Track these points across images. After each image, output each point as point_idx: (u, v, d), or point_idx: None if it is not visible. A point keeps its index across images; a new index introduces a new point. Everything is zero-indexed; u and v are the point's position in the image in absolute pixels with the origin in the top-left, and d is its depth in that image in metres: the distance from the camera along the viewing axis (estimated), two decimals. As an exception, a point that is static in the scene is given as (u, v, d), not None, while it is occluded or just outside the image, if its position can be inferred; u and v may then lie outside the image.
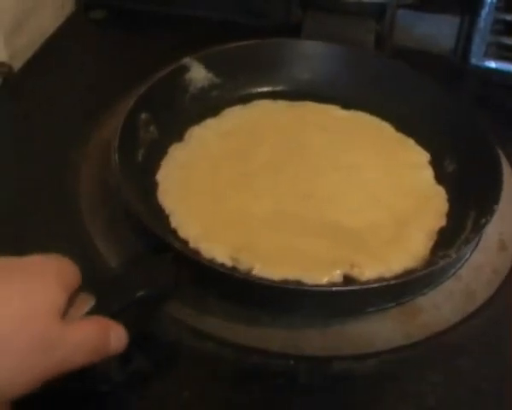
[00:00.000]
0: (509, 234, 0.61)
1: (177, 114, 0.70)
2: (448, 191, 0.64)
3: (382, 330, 0.52)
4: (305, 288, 0.52)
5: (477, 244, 0.59)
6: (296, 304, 0.52)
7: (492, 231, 0.59)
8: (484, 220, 0.56)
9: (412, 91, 0.71)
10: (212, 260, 0.54)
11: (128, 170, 0.58)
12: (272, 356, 0.50)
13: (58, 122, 0.70)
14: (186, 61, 0.72)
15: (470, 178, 0.63)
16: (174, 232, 0.58)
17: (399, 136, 0.71)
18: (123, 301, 0.45)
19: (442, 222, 0.61)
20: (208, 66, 0.73)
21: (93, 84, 0.77)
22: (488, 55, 0.81)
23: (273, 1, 0.88)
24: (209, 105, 0.72)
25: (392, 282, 0.52)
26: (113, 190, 0.60)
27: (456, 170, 0.65)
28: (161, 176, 0.64)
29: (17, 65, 0.77)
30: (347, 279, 0.54)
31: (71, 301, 0.41)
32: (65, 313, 0.40)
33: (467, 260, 0.58)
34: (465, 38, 0.82)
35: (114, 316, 0.43)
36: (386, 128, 0.72)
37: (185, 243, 0.56)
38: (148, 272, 0.49)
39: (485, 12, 0.79)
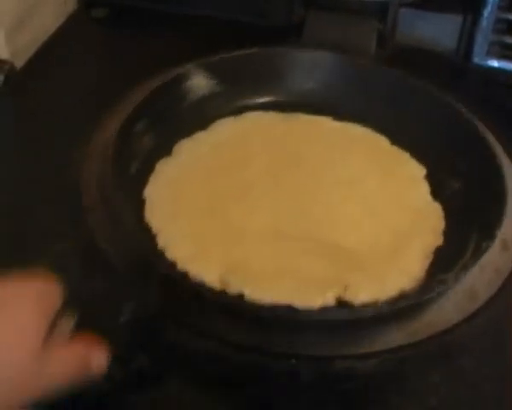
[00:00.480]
0: (511, 234, 0.61)
1: (172, 125, 0.68)
2: (445, 208, 0.62)
3: (384, 330, 0.52)
4: (291, 318, 0.51)
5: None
6: (286, 326, 0.51)
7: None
8: (485, 245, 0.54)
9: (408, 103, 0.70)
10: (200, 284, 0.52)
11: (120, 183, 0.57)
12: (274, 356, 0.50)
13: (59, 121, 0.70)
14: (187, 68, 0.71)
15: (470, 196, 0.61)
16: (162, 253, 0.56)
17: (394, 149, 0.69)
18: (105, 323, 0.44)
19: (439, 241, 0.59)
20: (208, 73, 0.71)
21: (95, 82, 0.77)
22: (490, 54, 0.81)
23: (275, 0, 0.88)
24: (203, 116, 0.70)
25: (385, 312, 0.51)
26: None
27: (455, 186, 0.64)
28: (149, 192, 0.62)
29: (19, 63, 0.77)
30: (341, 302, 0.53)
31: (53, 322, 0.40)
32: (47, 337, 0.39)
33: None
34: (467, 37, 0.82)
35: (98, 338, 0.42)
36: (381, 141, 0.70)
37: (173, 264, 0.54)
38: (133, 294, 0.47)
39: (487, 11, 0.79)
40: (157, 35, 0.86)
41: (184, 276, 0.53)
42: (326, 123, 0.72)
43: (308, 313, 0.51)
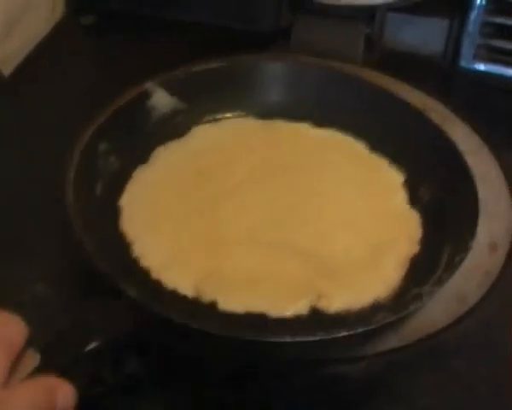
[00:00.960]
0: (500, 235, 0.61)
1: (141, 141, 0.66)
2: (422, 216, 0.62)
3: (373, 333, 0.52)
4: (257, 339, 0.48)
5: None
6: None
7: (483, 232, 0.59)
8: (458, 258, 0.53)
9: (386, 110, 0.69)
10: (173, 292, 0.52)
11: (83, 204, 0.55)
12: (261, 359, 0.50)
13: (48, 128, 0.70)
14: (147, 86, 0.68)
15: (445, 205, 0.61)
16: (135, 262, 0.55)
17: (373, 156, 0.68)
18: (70, 356, 0.42)
19: (415, 249, 0.59)
20: (171, 90, 0.69)
21: (82, 90, 0.77)
22: (478, 57, 0.81)
23: (263, 5, 0.88)
24: (175, 129, 0.69)
25: (358, 330, 0.49)
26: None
27: (431, 195, 0.63)
28: (124, 202, 0.61)
29: (7, 70, 0.76)
30: (314, 311, 0.53)
31: (16, 361, 0.38)
32: (8, 377, 0.37)
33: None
34: (454, 41, 0.82)
35: (64, 373, 0.39)
36: (360, 148, 0.69)
37: (147, 272, 0.54)
38: (101, 319, 0.44)
39: (474, 14, 0.79)
40: (144, 42, 0.86)
41: (159, 284, 0.53)
42: (304, 130, 0.71)
43: (280, 335, 0.49)
